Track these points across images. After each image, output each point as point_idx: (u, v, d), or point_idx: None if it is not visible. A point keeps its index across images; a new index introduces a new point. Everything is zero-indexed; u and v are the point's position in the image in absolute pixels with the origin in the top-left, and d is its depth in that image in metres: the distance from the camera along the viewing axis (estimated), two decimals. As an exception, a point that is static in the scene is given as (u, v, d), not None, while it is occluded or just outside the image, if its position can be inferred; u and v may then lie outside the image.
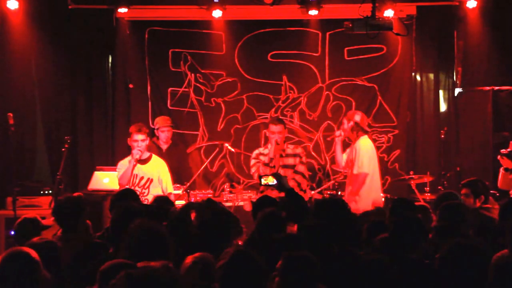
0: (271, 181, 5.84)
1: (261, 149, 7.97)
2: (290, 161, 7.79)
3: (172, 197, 7.61)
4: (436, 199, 5.87)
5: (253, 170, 7.94)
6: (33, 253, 3.64)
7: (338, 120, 10.11)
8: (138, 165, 7.62)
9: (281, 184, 5.71)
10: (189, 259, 3.90)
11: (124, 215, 4.97)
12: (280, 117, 9.25)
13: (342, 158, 8.33)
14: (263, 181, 5.97)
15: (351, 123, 8.16)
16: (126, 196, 5.83)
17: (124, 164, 7.71)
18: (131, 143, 7.67)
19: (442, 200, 5.60)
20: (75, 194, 7.06)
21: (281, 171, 7.76)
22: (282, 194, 6.06)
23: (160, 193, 7.62)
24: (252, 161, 7.95)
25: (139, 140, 7.61)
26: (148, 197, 7.44)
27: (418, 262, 4.24)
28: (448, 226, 4.84)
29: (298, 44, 10.06)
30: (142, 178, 7.67)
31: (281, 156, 7.81)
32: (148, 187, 7.61)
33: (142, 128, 7.80)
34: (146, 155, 7.77)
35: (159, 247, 3.93)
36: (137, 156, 7.53)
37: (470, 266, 3.71)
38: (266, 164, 7.76)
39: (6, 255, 3.61)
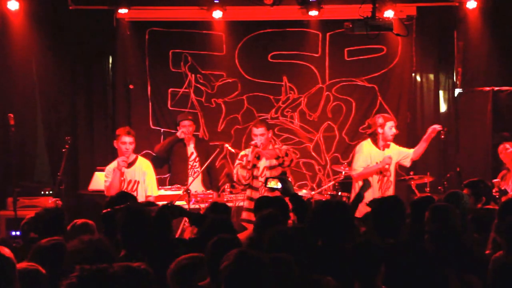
0: (276, 184, 5.82)
1: (246, 151, 7.89)
2: (274, 162, 7.73)
3: (151, 199, 7.56)
4: (443, 199, 5.84)
5: (234, 171, 7.88)
6: (6, 252, 3.60)
7: (338, 121, 10.13)
8: (124, 169, 7.59)
9: (286, 188, 5.69)
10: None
11: (134, 218, 4.97)
12: (264, 119, 8.97)
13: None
14: (268, 184, 5.95)
15: None
16: (126, 199, 5.79)
17: (110, 170, 7.62)
18: (119, 145, 7.62)
19: (447, 201, 5.59)
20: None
21: (267, 173, 7.67)
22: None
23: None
24: (236, 162, 7.88)
25: (127, 142, 7.58)
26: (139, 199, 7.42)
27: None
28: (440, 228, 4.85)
29: (298, 45, 10.07)
30: (129, 181, 7.65)
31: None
32: (137, 189, 7.58)
33: (130, 131, 7.79)
34: (132, 157, 7.75)
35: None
36: (124, 165, 7.50)
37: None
38: (243, 166, 7.67)
39: None
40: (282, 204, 5.56)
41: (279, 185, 5.65)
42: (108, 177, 7.59)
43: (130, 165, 7.67)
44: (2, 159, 9.20)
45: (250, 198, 7.72)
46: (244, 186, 7.78)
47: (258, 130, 7.66)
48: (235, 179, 7.81)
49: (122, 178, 7.56)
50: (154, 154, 9.34)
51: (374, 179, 8.07)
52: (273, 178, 6.00)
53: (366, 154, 8.14)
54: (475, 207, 6.20)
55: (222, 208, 5.77)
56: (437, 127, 8.35)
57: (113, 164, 7.66)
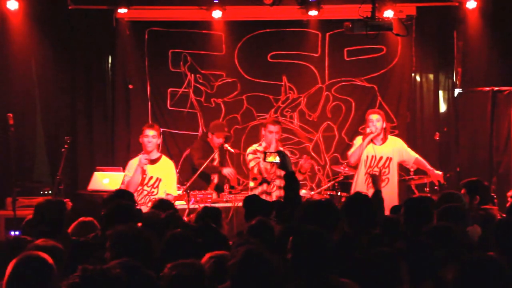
0: (274, 158, 5.80)
1: (256, 146, 7.98)
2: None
3: (170, 198, 7.56)
4: (437, 200, 5.83)
5: (252, 164, 7.92)
6: (48, 258, 3.60)
7: (337, 121, 10.13)
8: (148, 165, 7.59)
9: (284, 164, 5.67)
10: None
11: (114, 215, 4.99)
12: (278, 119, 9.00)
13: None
14: (267, 159, 5.96)
15: (385, 123, 8.17)
16: (120, 197, 5.77)
17: (133, 166, 7.59)
18: (142, 139, 7.64)
19: (443, 201, 5.58)
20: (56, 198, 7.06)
21: (278, 171, 7.82)
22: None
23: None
24: (250, 156, 7.91)
25: (150, 135, 7.58)
26: (157, 197, 7.43)
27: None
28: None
29: (298, 45, 10.07)
30: (151, 177, 7.65)
31: None
32: (157, 186, 7.58)
33: (154, 125, 7.83)
34: (156, 155, 7.74)
35: (142, 250, 3.93)
36: (145, 163, 7.48)
37: None
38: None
39: (19, 258, 3.56)
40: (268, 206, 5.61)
41: (278, 159, 5.61)
42: (129, 172, 7.55)
43: (154, 161, 7.66)
44: (1, 159, 9.19)
45: (266, 193, 7.90)
46: (262, 179, 7.90)
47: (275, 128, 7.86)
48: (255, 171, 7.89)
49: (144, 175, 7.56)
50: (196, 164, 8.93)
51: (361, 173, 8.07)
52: (272, 152, 5.98)
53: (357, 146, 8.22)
54: (470, 206, 6.20)
55: (212, 213, 5.71)
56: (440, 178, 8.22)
57: (136, 160, 7.64)
